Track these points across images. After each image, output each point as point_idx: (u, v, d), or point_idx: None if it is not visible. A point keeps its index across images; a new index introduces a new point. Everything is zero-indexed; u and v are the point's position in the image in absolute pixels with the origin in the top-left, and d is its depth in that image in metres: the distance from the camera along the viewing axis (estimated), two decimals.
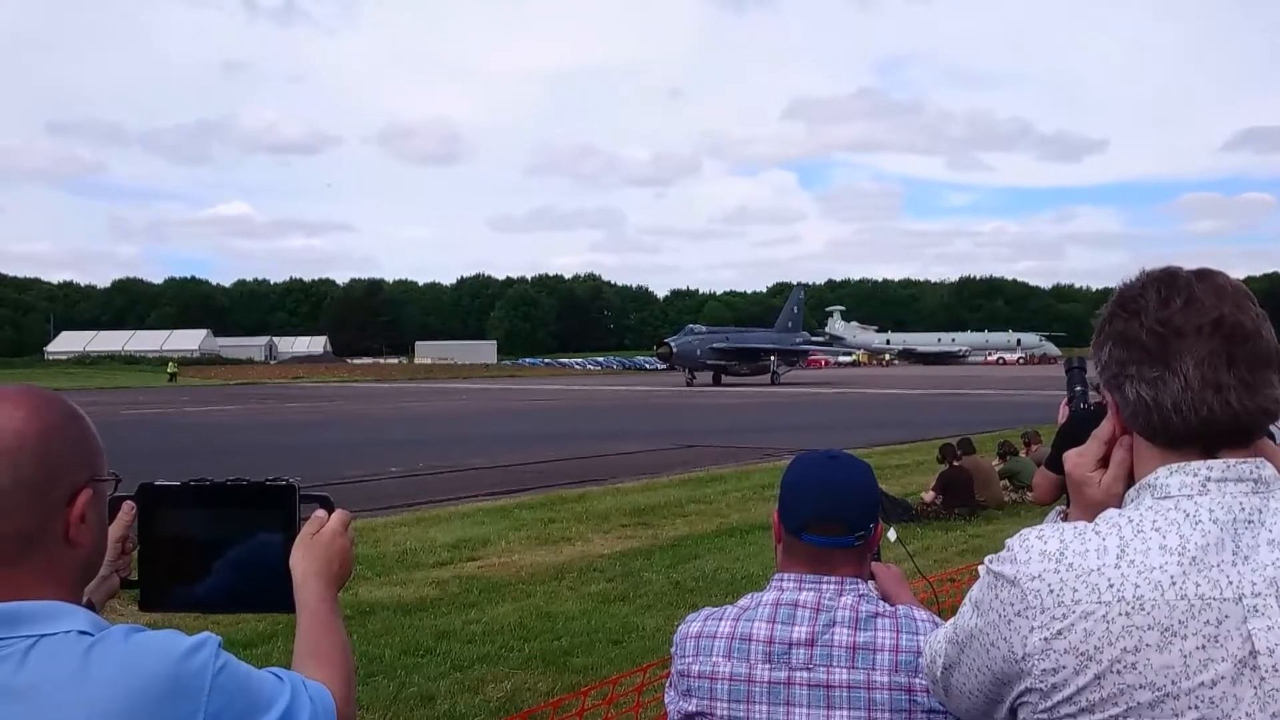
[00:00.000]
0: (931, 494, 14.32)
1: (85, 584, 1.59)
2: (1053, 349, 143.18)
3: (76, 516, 1.50)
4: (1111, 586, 1.42)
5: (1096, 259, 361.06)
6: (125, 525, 1.83)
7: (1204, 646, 1.38)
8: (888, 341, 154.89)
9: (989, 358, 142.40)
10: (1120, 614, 1.41)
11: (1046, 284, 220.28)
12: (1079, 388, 3.77)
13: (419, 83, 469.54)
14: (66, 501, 1.49)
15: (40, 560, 1.47)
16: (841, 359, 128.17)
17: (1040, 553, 1.49)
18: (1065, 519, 1.70)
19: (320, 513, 1.86)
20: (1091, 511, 1.60)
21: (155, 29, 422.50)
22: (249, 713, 1.45)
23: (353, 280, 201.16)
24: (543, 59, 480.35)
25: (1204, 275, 1.55)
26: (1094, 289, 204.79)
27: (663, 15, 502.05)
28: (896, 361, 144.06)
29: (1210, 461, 1.48)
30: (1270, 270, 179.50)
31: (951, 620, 1.69)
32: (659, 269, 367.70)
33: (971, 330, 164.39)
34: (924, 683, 2.14)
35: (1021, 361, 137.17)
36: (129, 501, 1.83)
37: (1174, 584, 1.40)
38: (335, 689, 1.63)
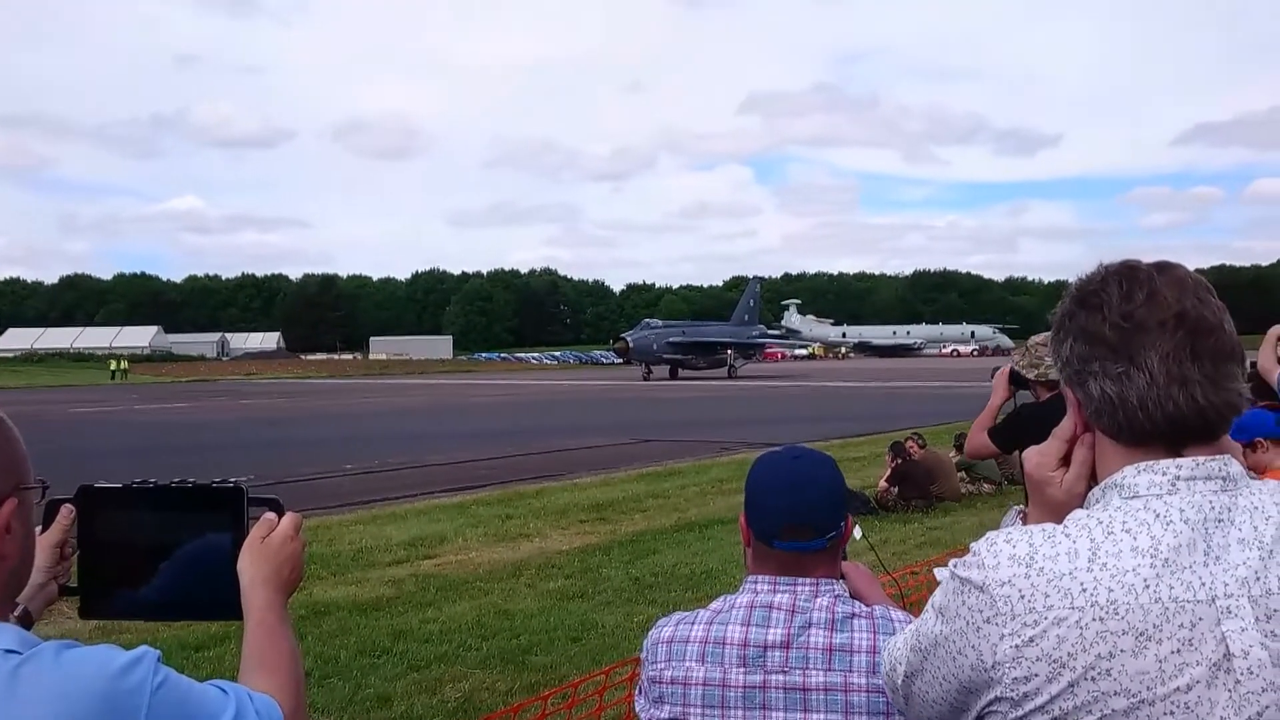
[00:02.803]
0: (885, 484, 14.39)
1: (12, 598, 1.52)
2: (1006, 341, 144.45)
3: (1, 528, 1.42)
4: (1084, 591, 1.39)
5: (1049, 252, 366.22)
6: (63, 530, 1.75)
7: (1179, 650, 1.35)
8: (843, 335, 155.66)
9: (943, 350, 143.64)
10: (1094, 619, 1.37)
11: (1000, 276, 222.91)
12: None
13: (376, 76, 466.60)
14: None
15: None
16: (798, 352, 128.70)
17: (1010, 557, 1.45)
18: (1024, 520, 1.66)
19: (270, 515, 1.78)
20: (1052, 512, 1.56)
21: (106, 21, 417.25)
22: None
23: (306, 276, 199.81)
24: (501, 53, 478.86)
25: (1164, 268, 1.53)
26: (1046, 281, 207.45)
27: (621, 9, 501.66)
28: (852, 354, 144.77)
29: (1179, 460, 1.46)
30: (1219, 262, 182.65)
31: (912, 626, 1.65)
32: (616, 263, 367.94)
33: (926, 323, 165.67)
34: None
35: (975, 353, 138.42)
36: (67, 505, 1.74)
37: (1147, 587, 1.37)
38: (283, 700, 1.56)
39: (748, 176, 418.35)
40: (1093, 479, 1.56)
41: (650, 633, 2.37)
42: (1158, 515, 1.42)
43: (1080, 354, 1.51)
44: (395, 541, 12.16)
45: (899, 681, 1.66)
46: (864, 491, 14.42)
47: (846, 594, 2.31)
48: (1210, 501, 1.42)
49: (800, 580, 2.27)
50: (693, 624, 2.31)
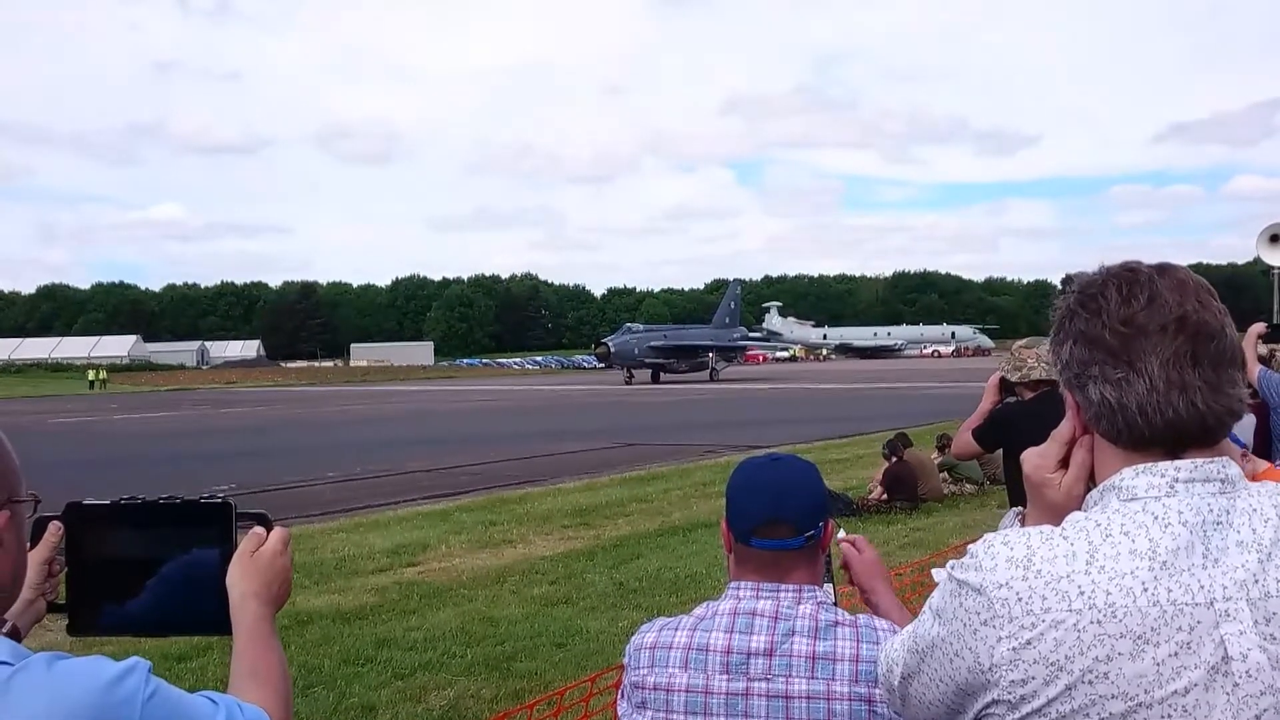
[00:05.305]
0: (879, 490, 14.45)
1: (3, 611, 1.51)
2: (986, 341, 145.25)
3: None
4: (1082, 594, 1.38)
5: (1029, 251, 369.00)
6: (52, 547, 1.74)
7: (1177, 654, 1.34)
8: (824, 336, 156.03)
9: (924, 351, 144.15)
10: (1092, 622, 1.37)
11: (979, 277, 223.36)
12: None
13: (357, 82, 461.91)
14: None
15: None
16: (779, 354, 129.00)
17: (1007, 559, 1.44)
18: (1023, 522, 1.66)
19: (258, 530, 1.77)
20: (1051, 514, 1.55)
21: (85, 28, 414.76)
22: None
23: (286, 283, 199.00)
24: (481, 57, 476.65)
25: (1165, 270, 1.51)
26: (1025, 281, 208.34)
27: (600, 12, 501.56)
28: (833, 356, 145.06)
29: (1178, 462, 1.45)
30: (1196, 260, 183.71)
31: (909, 627, 1.64)
32: (599, 267, 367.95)
33: (906, 324, 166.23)
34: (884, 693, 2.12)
35: (956, 354, 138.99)
36: (56, 522, 1.74)
37: (1145, 590, 1.36)
38: (273, 712, 1.57)
39: (729, 179, 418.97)
40: (1091, 481, 1.55)
41: (633, 638, 2.37)
42: (1156, 518, 1.41)
43: (1080, 357, 1.50)
44: (378, 549, 12.13)
45: (895, 683, 1.65)
46: (846, 493, 14.47)
47: (830, 601, 2.31)
48: (1209, 504, 1.42)
49: (783, 586, 2.28)
50: (676, 630, 2.31)
